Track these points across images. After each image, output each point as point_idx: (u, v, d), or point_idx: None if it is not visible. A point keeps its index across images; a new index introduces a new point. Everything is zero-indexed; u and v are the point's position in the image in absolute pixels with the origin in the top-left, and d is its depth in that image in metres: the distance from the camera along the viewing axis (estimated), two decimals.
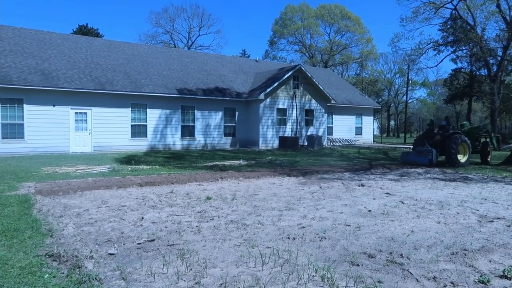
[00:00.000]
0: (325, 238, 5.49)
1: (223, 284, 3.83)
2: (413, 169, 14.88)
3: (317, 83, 27.19)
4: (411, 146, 19.53)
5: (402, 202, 8.21)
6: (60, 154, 18.57)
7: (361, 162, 17.57)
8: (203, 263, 4.42)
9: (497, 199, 8.72)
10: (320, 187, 10.34)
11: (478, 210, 7.48)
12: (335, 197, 8.86)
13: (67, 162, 14.87)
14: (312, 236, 5.58)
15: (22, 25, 21.76)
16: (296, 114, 26.73)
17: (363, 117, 33.46)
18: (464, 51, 40.74)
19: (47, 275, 3.96)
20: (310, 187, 10.29)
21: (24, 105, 18.34)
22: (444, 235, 5.70)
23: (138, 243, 5.24)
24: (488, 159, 17.46)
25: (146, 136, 22.08)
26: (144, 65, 24.66)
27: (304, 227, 6.10)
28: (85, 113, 20.05)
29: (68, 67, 20.96)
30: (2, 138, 17.85)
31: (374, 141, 36.30)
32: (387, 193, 9.41)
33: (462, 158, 16.40)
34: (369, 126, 34.55)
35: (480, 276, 4.04)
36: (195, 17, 76.17)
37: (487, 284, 3.88)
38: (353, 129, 32.79)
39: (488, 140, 18.46)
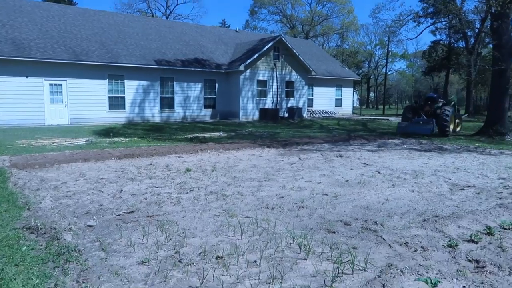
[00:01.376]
0: (303, 207, 5.62)
1: (202, 252, 3.91)
2: (390, 140, 15.19)
3: (297, 55, 27.00)
4: (395, 118, 20.87)
5: (379, 172, 8.42)
6: (35, 126, 18.10)
7: (340, 133, 17.79)
8: (183, 233, 4.48)
9: (468, 168, 9.04)
10: (300, 158, 10.47)
11: (450, 179, 7.75)
12: (313, 167, 9.00)
13: (42, 135, 14.53)
14: (290, 206, 5.70)
15: None
16: (277, 85, 26.61)
17: (343, 88, 33.62)
18: (444, 23, 40.86)
19: (25, 247, 3.94)
20: (290, 158, 10.41)
21: None
22: (417, 203, 5.91)
23: (117, 215, 5.25)
24: (457, 129, 18.68)
25: (124, 108, 21.67)
26: (120, 35, 23.89)
27: (282, 197, 6.22)
28: (60, 85, 19.45)
29: (40, 36, 20.12)
30: None
31: (353, 112, 36.68)
32: (364, 163, 9.62)
33: (450, 129, 17.26)
34: (349, 98, 34.79)
35: (449, 241, 4.24)
36: None
37: (455, 248, 4.08)
38: (333, 101, 32.97)
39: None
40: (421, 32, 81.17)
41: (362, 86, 73.93)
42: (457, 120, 18.62)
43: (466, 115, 27.84)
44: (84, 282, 3.26)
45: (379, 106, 78.79)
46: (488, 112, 18.67)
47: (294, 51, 26.82)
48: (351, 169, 8.83)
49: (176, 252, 3.93)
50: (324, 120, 26.57)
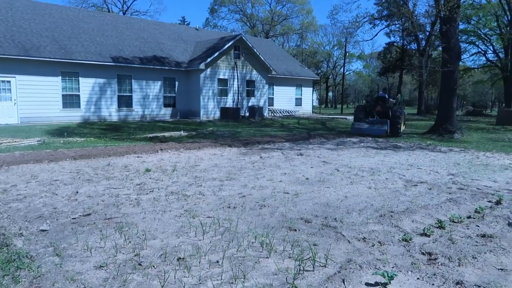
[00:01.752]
0: (264, 206, 5.66)
1: (163, 254, 3.83)
2: (348, 139, 15.62)
3: (258, 54, 27.11)
4: (353, 117, 20.00)
5: (337, 170, 8.63)
6: None
7: (301, 132, 18.07)
8: (143, 235, 4.38)
9: (421, 165, 9.47)
10: (261, 157, 10.53)
11: (404, 176, 8.09)
12: (275, 166, 9.08)
13: None
14: (252, 205, 5.72)
15: None
16: (238, 84, 26.60)
17: (303, 88, 34.14)
18: (397, 25, 42.66)
19: None
20: (251, 157, 10.44)
21: None
22: (374, 199, 6.12)
23: (73, 218, 5.04)
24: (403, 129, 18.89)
25: (79, 107, 20.82)
26: (74, 30, 22.91)
27: (244, 196, 6.23)
28: (9, 82, 18.38)
29: None
30: None
31: (313, 112, 37.37)
32: (323, 161, 9.83)
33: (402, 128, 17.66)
34: (309, 97, 35.39)
35: (404, 235, 4.42)
36: None
37: (409, 241, 4.26)
38: (293, 100, 33.41)
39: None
40: (376, 34, 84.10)
41: (321, 85, 75.52)
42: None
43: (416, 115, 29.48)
44: None
45: (337, 106, 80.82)
46: (438, 111, 19.63)
47: (255, 50, 26.91)
48: (311, 167, 8.99)
49: (136, 255, 3.83)
50: (285, 119, 26.88)
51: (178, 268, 3.54)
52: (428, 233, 4.48)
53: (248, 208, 5.53)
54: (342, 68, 66.85)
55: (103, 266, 3.56)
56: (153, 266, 3.58)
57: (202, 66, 23.99)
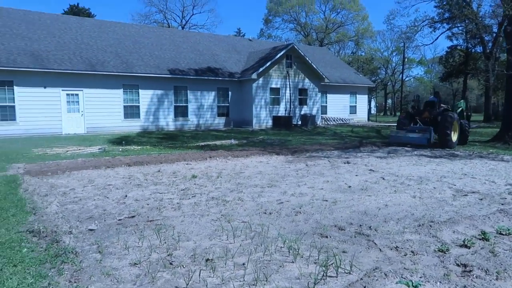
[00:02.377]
0: (300, 212, 5.67)
1: (193, 255, 4.01)
2: (401, 147, 15.04)
3: (310, 62, 27.08)
4: (396, 125, 17.62)
5: (383, 178, 8.39)
6: (52, 135, 18.65)
7: (352, 140, 17.72)
8: (178, 236, 4.60)
9: (476, 174, 8.91)
10: (306, 165, 10.51)
11: (455, 185, 7.67)
12: (318, 174, 9.03)
13: (59, 144, 14.98)
14: (288, 211, 5.76)
15: (11, 5, 21.80)
16: (290, 93, 26.71)
17: (357, 95, 33.45)
18: (460, 28, 40.41)
19: (25, 249, 4.13)
20: (296, 165, 10.46)
21: (15, 87, 18.30)
22: (416, 208, 5.89)
23: (119, 219, 5.41)
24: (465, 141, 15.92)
25: (139, 117, 22.12)
26: (135, 45, 24.47)
27: (282, 202, 6.28)
28: (77, 95, 20.03)
29: (58, 48, 20.80)
30: None
31: (369, 119, 36.40)
32: (370, 169, 9.59)
33: (453, 138, 15.10)
34: (364, 105, 34.56)
35: (441, 246, 4.23)
36: None
37: (446, 252, 4.07)
38: (348, 108, 32.83)
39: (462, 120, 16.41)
40: (437, 38, 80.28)
41: (378, 92, 73.32)
42: (465, 129, 15.76)
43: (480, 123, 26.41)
44: (75, 282, 3.40)
45: (396, 113, 77.93)
46: (503, 117, 18.27)
47: (307, 58, 26.91)
48: (356, 175, 8.82)
49: (168, 255, 4.05)
50: (338, 127, 26.48)
51: (205, 268, 3.69)
52: (468, 245, 4.24)
53: (283, 214, 5.58)
54: (401, 74, 64.46)
55: (137, 264, 3.81)
56: (182, 265, 3.77)
57: (254, 76, 24.44)
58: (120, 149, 13.46)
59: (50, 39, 21.41)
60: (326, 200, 6.41)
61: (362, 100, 34.10)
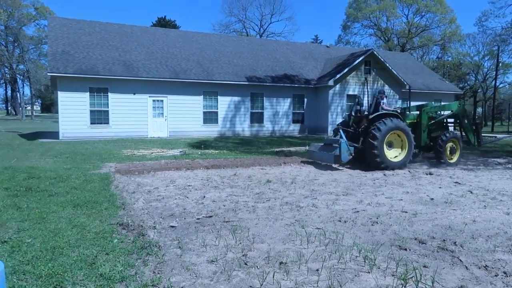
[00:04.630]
0: (377, 222, 5.47)
1: (267, 257, 4.07)
2: (492, 159, 13.77)
3: (390, 68, 26.03)
4: (496, 136, 14.77)
5: (471, 192, 7.75)
6: (139, 138, 20.16)
7: None
8: (252, 238, 4.70)
9: None
10: (384, 174, 10.10)
11: None
12: (397, 184, 8.63)
13: (145, 146, 16.15)
14: (364, 220, 5.59)
15: (106, 20, 24.35)
16: (368, 100, 25.85)
17: (441, 103, 31.31)
18: None
19: (116, 240, 4.52)
20: (374, 174, 10.10)
21: (109, 94, 20.15)
22: (510, 226, 5.35)
23: (197, 218, 5.68)
24: (442, 161, 11.64)
25: (217, 123, 23.01)
26: (216, 54, 25.56)
27: (358, 211, 6.11)
28: (162, 101, 21.45)
29: (146, 57, 22.50)
30: (91, 123, 19.84)
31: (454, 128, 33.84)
32: (456, 182, 8.92)
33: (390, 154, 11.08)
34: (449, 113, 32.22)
35: None
36: (267, 4, 76.49)
37: None
38: None
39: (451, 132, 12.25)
40: None
41: (467, 100, 67.86)
42: (450, 145, 11.84)
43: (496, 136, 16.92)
44: (159, 273, 3.64)
45: (487, 122, 71.42)
46: None
47: (387, 64, 25.91)
48: (440, 187, 8.27)
49: (243, 255, 4.16)
50: None
51: (279, 271, 3.72)
52: None
53: (359, 224, 5.43)
54: (494, 80, 59.03)
55: (214, 261, 3.97)
56: (257, 266, 3.85)
57: (331, 82, 24.13)
58: (199, 153, 14.10)
59: (140, 49, 23.24)
60: (406, 212, 6.10)
61: None
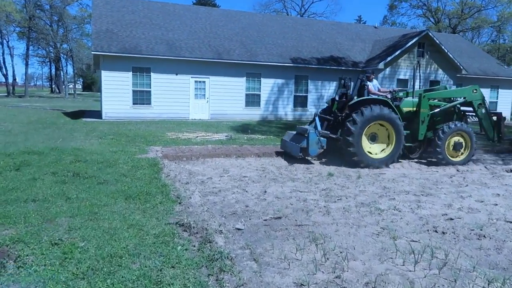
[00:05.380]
0: (484, 236, 4.52)
1: (369, 283, 3.26)
2: None
3: (446, 51, 24.08)
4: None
5: None
6: (181, 120, 19.68)
7: (503, 143, 15.06)
8: (341, 252, 3.89)
9: None
10: (458, 170, 9.01)
11: None
12: (480, 183, 7.53)
13: (188, 128, 15.60)
14: (465, 232, 4.65)
15: None
16: (420, 86, 24.17)
17: (499, 90, 28.99)
18: None
19: (179, 247, 3.84)
20: (446, 170, 9.02)
21: (151, 74, 19.68)
22: None
23: (264, 220, 4.94)
24: (440, 157, 9.43)
25: (259, 106, 22.17)
26: (259, 34, 24.52)
27: (452, 219, 5.16)
28: (204, 82, 20.80)
29: (189, 37, 21.82)
30: (133, 104, 19.51)
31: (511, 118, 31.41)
32: None
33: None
34: (507, 101, 29.84)
35: None
36: None
37: None
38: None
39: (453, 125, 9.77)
40: None
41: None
42: (455, 139, 9.72)
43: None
44: None
45: None
46: None
47: (443, 47, 23.98)
48: None
49: (336, 277, 3.37)
50: (476, 125, 23.17)
51: None
52: None
53: (461, 237, 4.50)
54: None
55: (304, 285, 3.20)
56: None
57: (381, 65, 22.62)
58: (245, 138, 13.37)
59: (183, 28, 22.57)
60: (511, 222, 5.09)
61: (505, 96, 29.44)
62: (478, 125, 10.85)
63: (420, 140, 9.72)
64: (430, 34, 24.15)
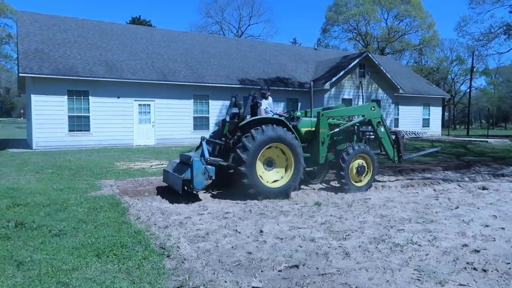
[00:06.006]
0: None
1: None
2: None
3: (384, 72, 25.21)
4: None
5: None
6: (125, 147, 18.09)
7: (446, 158, 15.67)
8: None
9: None
10: (435, 190, 8.86)
11: None
12: (467, 204, 7.34)
13: (136, 156, 14.21)
14: (504, 267, 4.18)
15: (82, 16, 21.72)
16: (363, 104, 24.92)
17: (430, 107, 30.98)
18: None
19: None
20: (424, 190, 8.83)
21: (90, 97, 17.96)
22: None
23: (279, 271, 4.08)
24: (344, 182, 8.43)
25: (208, 129, 21.20)
26: (204, 55, 23.79)
27: (478, 251, 4.70)
28: (149, 105, 19.47)
29: (130, 58, 20.45)
30: (69, 131, 17.58)
31: (442, 134, 33.64)
32: None
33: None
34: (437, 118, 31.98)
35: None
36: (245, 6, 75.06)
37: None
38: (420, 121, 30.43)
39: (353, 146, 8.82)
40: None
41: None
42: (357, 162, 8.62)
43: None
44: None
45: (456, 126, 73.22)
46: None
47: (381, 68, 25.08)
48: None
49: None
50: (414, 142, 24.24)
51: None
52: None
53: (503, 273, 4.01)
54: (462, 85, 60.41)
55: None
56: None
57: (327, 86, 22.95)
58: None
59: (123, 48, 21.13)
60: None
61: (435, 113, 31.54)
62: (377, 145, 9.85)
63: (322, 164, 8.74)
64: (370, 55, 25.18)
